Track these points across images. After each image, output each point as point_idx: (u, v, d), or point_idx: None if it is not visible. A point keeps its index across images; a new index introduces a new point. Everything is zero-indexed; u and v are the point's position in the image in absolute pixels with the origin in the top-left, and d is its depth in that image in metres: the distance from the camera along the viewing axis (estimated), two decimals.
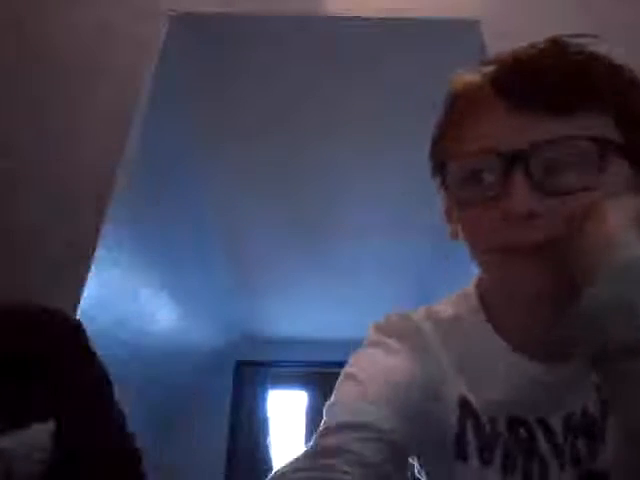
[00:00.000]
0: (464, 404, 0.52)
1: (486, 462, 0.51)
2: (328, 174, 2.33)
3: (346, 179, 2.34)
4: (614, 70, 0.48)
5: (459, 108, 0.51)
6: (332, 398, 0.50)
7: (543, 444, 0.50)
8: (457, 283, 0.61)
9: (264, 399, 3.78)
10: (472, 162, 0.48)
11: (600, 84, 0.46)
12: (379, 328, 0.57)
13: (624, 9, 1.61)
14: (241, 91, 1.95)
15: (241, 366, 3.84)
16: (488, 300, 0.56)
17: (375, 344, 0.55)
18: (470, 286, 0.60)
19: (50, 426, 0.67)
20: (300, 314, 3.46)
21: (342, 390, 0.50)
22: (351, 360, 0.54)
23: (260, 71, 1.87)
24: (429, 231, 2.36)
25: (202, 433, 3.46)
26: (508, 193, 0.44)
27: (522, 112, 0.46)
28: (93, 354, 0.73)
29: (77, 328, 0.73)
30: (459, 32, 1.69)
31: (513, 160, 0.45)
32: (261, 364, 3.84)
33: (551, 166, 0.45)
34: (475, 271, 0.58)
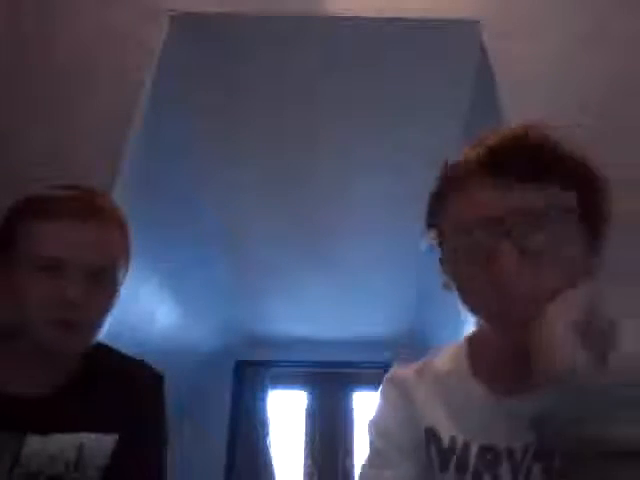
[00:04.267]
0: (429, 432, 0.69)
1: (443, 470, 0.67)
2: (329, 173, 2.33)
3: (347, 179, 2.34)
4: (569, 151, 0.60)
5: (452, 182, 0.63)
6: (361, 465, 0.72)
7: (504, 464, 0.63)
8: None
9: (264, 399, 3.78)
10: (463, 225, 0.59)
11: (563, 160, 0.58)
12: (386, 379, 0.77)
13: (623, 10, 1.61)
14: (241, 91, 1.95)
15: (241, 366, 3.84)
16: (474, 354, 0.72)
17: (382, 395, 0.76)
18: (462, 341, 0.75)
19: (115, 437, 0.85)
20: (300, 314, 3.46)
21: (364, 462, 0.72)
22: (371, 416, 0.75)
23: (260, 71, 1.87)
24: None
25: (202, 433, 3.46)
26: (495, 251, 0.55)
27: (502, 184, 0.57)
28: (163, 400, 0.97)
29: (160, 378, 0.98)
30: (459, 32, 1.69)
31: (497, 223, 0.56)
32: (261, 364, 3.84)
33: (527, 229, 0.55)
34: None
